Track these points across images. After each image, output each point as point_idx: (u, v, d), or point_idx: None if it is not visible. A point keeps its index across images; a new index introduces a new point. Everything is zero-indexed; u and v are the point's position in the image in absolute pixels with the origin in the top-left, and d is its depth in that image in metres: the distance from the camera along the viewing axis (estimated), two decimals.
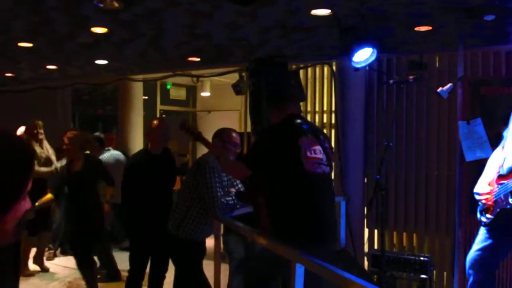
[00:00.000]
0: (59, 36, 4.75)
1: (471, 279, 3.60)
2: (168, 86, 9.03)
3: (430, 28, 4.37)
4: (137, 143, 7.72)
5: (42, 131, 6.20)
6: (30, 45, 5.17)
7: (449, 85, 4.27)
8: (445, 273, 5.40)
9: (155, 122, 4.69)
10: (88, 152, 5.35)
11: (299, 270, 2.63)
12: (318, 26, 4.30)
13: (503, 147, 3.47)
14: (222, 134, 4.20)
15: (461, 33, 4.38)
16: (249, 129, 6.57)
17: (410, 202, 5.48)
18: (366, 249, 5.67)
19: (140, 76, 7.35)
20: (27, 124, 6.23)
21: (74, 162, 5.11)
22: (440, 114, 5.22)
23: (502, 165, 3.37)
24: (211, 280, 4.01)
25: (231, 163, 3.53)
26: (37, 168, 5.94)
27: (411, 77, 4.17)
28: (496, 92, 4.26)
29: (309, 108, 6.56)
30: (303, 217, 3.02)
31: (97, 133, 6.34)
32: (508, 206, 3.28)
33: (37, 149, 6.11)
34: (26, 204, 1.08)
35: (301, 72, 6.23)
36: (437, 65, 5.31)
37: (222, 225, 4.15)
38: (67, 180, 5.17)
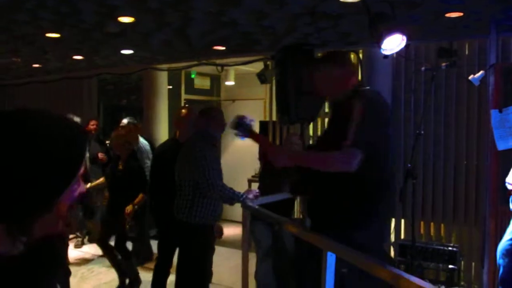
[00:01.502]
0: (86, 26, 4.78)
1: (501, 269, 3.55)
2: (193, 75, 9.04)
3: (461, 14, 4.27)
4: (162, 132, 7.75)
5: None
6: (57, 35, 5.21)
7: (481, 72, 4.18)
8: (473, 263, 5.33)
9: (183, 111, 4.71)
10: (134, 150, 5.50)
11: (330, 259, 2.62)
12: (347, 13, 4.24)
13: None
14: (210, 114, 4.22)
15: (493, 19, 4.28)
16: (274, 118, 6.55)
17: (438, 192, 5.41)
18: (392, 239, 5.63)
19: (165, 66, 7.37)
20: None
21: (121, 158, 5.29)
22: (470, 102, 5.13)
23: None
24: (238, 269, 4.02)
25: (330, 155, 2.72)
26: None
27: (443, 64, 4.09)
28: None
29: None
30: (388, 206, 2.95)
31: (131, 119, 6.37)
32: None
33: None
34: (80, 188, 1.08)
35: None
36: (466, 52, 5.21)
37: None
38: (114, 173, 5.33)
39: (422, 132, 4.11)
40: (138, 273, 5.38)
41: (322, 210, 2.85)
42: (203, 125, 4.14)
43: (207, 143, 4.09)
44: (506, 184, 3.50)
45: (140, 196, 5.30)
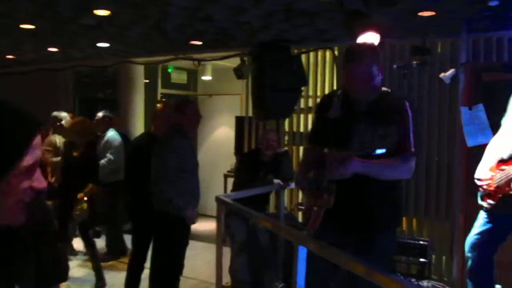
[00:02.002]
0: (62, 18, 4.74)
1: (469, 262, 3.65)
2: (170, 70, 9.02)
3: (434, 13, 4.36)
4: (138, 126, 7.73)
5: (63, 122, 6.35)
6: (32, 27, 5.16)
7: (451, 70, 4.28)
8: (444, 257, 5.46)
9: (159, 105, 4.72)
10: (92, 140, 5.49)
11: (302, 252, 2.67)
12: (322, 10, 4.30)
13: (502, 133, 3.50)
14: (185, 108, 4.23)
15: (465, 19, 4.38)
16: (250, 114, 6.59)
17: (411, 188, 5.52)
18: None
19: (142, 59, 7.34)
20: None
21: (76, 145, 5.28)
22: (441, 100, 5.24)
23: (503, 151, 3.40)
24: (213, 263, 4.05)
25: (399, 163, 2.69)
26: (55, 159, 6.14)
27: (414, 62, 4.18)
28: (498, 78, 4.27)
29: (310, 93, 6.57)
30: None
31: (106, 112, 6.35)
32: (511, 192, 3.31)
33: (59, 139, 6.31)
34: (33, 183, 1.08)
35: (303, 56, 6.23)
36: (439, 50, 5.31)
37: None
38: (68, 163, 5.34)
39: None
40: (101, 266, 5.36)
41: (371, 212, 2.81)
42: (179, 119, 4.15)
43: (182, 137, 4.11)
44: (475, 180, 3.60)
45: (90, 186, 5.38)
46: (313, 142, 3.04)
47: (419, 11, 4.37)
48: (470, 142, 4.28)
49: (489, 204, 3.50)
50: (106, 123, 6.22)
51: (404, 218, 5.70)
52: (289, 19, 4.59)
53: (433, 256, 5.33)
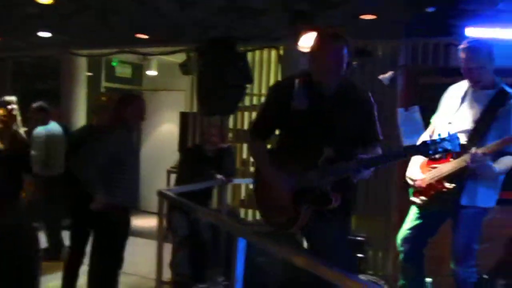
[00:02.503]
0: (3, 4, 4.59)
1: (401, 256, 3.78)
2: (114, 63, 8.85)
3: (374, 16, 4.52)
4: (79, 119, 7.56)
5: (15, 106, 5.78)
6: None
7: (390, 72, 4.44)
8: (380, 252, 5.65)
9: (103, 98, 4.65)
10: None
11: (241, 244, 2.71)
12: (268, 9, 4.36)
13: (432, 132, 3.65)
14: (129, 102, 4.18)
15: (404, 23, 4.56)
16: (195, 110, 6.59)
17: None
18: None
19: (85, 51, 7.19)
20: None
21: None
22: (381, 101, 5.40)
23: None
24: (154, 259, 4.03)
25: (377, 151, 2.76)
26: None
27: (354, 62, 4.32)
28: (434, 81, 4.46)
29: (255, 91, 6.64)
30: None
31: (41, 103, 6.07)
32: (444, 190, 3.45)
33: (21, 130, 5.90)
34: None
35: (249, 54, 6.29)
36: (380, 53, 5.49)
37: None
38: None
39: None
40: None
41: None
42: (122, 112, 4.10)
43: (124, 129, 4.06)
44: (407, 179, 3.75)
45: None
46: (263, 136, 2.88)
47: (361, 14, 4.52)
48: (405, 142, 4.46)
49: (421, 200, 3.64)
50: (42, 115, 6.00)
51: None
52: (236, 16, 4.64)
53: (370, 252, 5.51)
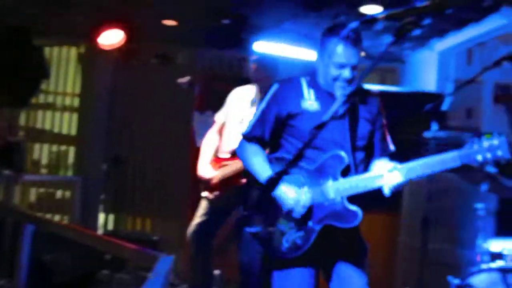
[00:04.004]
0: None
1: (191, 250, 3.97)
2: None
3: (176, 23, 4.73)
4: None
5: None
6: None
7: (188, 77, 4.68)
8: (175, 251, 5.81)
9: None
10: None
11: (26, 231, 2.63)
12: (76, 3, 4.26)
13: (218, 130, 3.93)
14: None
15: (202, 33, 4.85)
16: None
17: (146, 187, 5.76)
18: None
19: None
20: None
21: None
22: (180, 104, 5.63)
23: (222, 147, 3.82)
24: None
25: None
26: None
27: (153, 60, 4.45)
28: (228, 88, 4.83)
29: (52, 89, 6.35)
30: None
31: None
32: (238, 185, 3.70)
33: None
34: None
35: (47, 50, 6.00)
36: (180, 59, 5.72)
37: None
38: None
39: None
40: None
41: None
42: None
43: None
44: (199, 175, 3.94)
45: None
46: (260, 140, 2.44)
47: (163, 19, 4.69)
48: (199, 143, 4.72)
49: (214, 195, 3.86)
50: None
51: (140, 217, 5.93)
52: (37, 6, 4.43)
53: (166, 251, 5.63)
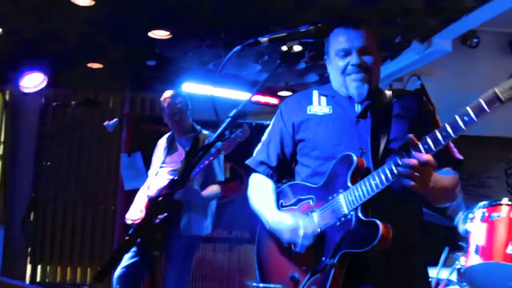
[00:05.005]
0: None
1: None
2: None
3: (101, 65, 4.72)
4: None
5: None
6: None
7: (114, 119, 4.62)
8: None
9: None
10: None
11: None
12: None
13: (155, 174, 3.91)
14: None
15: (128, 76, 4.87)
16: None
17: (74, 235, 5.58)
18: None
19: None
20: None
21: None
22: (107, 147, 5.56)
23: (150, 190, 3.79)
24: None
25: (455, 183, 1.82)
26: None
27: (73, 102, 4.40)
28: (154, 129, 4.82)
29: None
30: None
31: None
32: (157, 221, 3.65)
33: None
34: None
35: None
36: (110, 103, 5.69)
37: None
38: None
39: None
40: None
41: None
42: None
43: None
44: (126, 220, 3.87)
45: None
46: (267, 169, 1.98)
47: (88, 62, 4.66)
48: (127, 186, 4.65)
49: (141, 238, 3.77)
50: None
51: (68, 267, 5.71)
52: None
53: None
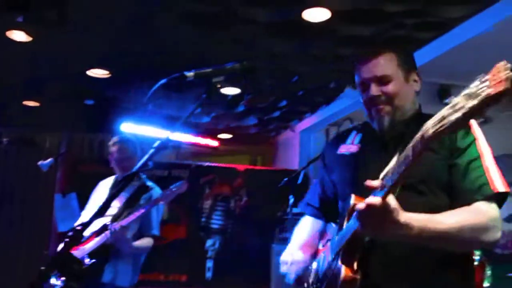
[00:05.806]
0: None
1: None
2: None
3: (38, 104, 4.63)
4: None
5: None
6: None
7: (49, 159, 4.52)
8: None
9: None
10: None
11: None
12: None
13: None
14: None
15: (65, 114, 4.80)
16: None
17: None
18: None
19: None
20: None
21: None
22: (41, 187, 5.39)
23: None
24: None
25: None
26: None
27: (5, 139, 4.29)
28: (91, 169, 4.72)
29: None
30: None
31: None
32: (84, 267, 3.55)
33: None
34: None
35: None
36: (47, 142, 5.56)
37: None
38: None
39: None
40: None
41: None
42: None
43: None
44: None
45: None
46: (312, 209, 1.94)
47: (24, 100, 4.57)
48: (61, 228, 4.49)
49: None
50: None
51: None
52: None
53: None
